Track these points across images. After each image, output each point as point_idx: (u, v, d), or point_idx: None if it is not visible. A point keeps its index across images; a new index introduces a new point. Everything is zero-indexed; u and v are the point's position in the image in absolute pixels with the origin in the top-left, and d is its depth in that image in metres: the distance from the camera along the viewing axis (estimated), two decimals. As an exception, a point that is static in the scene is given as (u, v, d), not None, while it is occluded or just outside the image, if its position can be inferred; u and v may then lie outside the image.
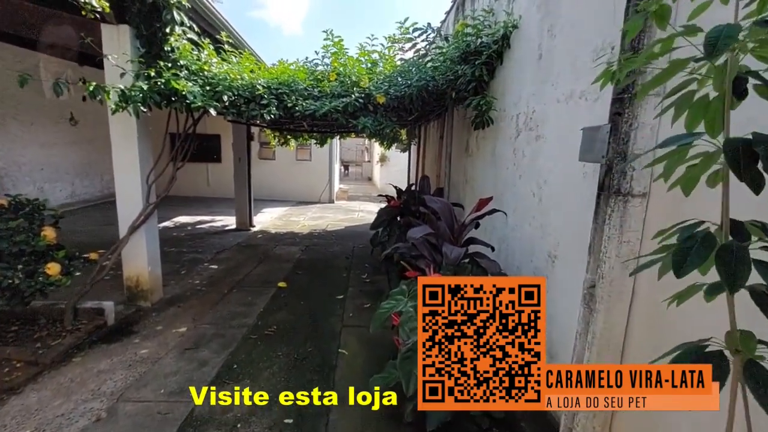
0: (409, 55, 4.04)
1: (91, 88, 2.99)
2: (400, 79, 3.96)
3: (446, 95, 3.84)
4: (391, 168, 16.08)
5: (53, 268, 3.03)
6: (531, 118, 2.66)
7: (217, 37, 4.05)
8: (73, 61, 7.46)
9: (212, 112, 3.42)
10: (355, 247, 7.01)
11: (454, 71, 3.56)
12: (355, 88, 3.81)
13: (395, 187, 7.08)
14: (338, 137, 11.28)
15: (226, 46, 3.97)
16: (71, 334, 3.24)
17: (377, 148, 17.75)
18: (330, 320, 3.94)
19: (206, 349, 3.26)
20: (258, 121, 4.12)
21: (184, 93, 3.27)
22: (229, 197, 8.25)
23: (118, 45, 3.52)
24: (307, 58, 4.43)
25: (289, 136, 9.02)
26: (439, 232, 2.61)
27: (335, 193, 13.42)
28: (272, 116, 3.59)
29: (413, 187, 6.96)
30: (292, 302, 4.36)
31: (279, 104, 3.73)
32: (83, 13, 2.62)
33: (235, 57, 4.01)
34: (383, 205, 7.22)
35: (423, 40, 3.74)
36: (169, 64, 3.46)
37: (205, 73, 3.62)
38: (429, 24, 3.67)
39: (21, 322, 3.36)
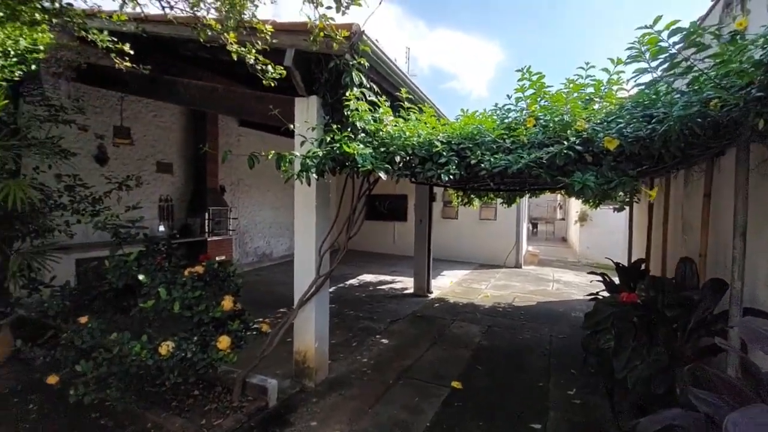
0: (659, 74, 2.66)
1: (271, 155, 2.94)
2: (632, 116, 2.64)
3: (739, 125, 2.26)
4: (593, 229, 13.16)
5: (223, 342, 2.94)
6: None
7: (396, 94, 3.73)
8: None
9: (382, 175, 2.94)
10: (554, 338, 5.32)
11: (763, 79, 2.02)
12: (568, 131, 2.69)
13: (614, 262, 5.19)
14: (528, 196, 9.86)
15: (406, 103, 3.57)
16: (234, 414, 3.05)
17: (574, 205, 15.06)
18: (523, 472, 2.61)
19: (353, 479, 2.50)
20: (435, 181, 3.45)
21: (354, 156, 2.90)
22: (412, 255, 7.97)
23: (307, 115, 3.56)
24: (496, 104, 3.60)
25: (472, 195, 8.32)
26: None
27: (523, 256, 11.70)
28: (451, 176, 2.83)
29: (642, 266, 4.92)
30: (468, 421, 3.23)
31: (460, 161, 2.96)
32: (264, 82, 2.60)
33: (414, 114, 3.55)
34: (591, 278, 5.35)
35: (684, 47, 2.33)
36: (347, 128, 3.24)
37: (381, 133, 3.25)
38: (700, 21, 2.27)
39: (203, 386, 3.43)
